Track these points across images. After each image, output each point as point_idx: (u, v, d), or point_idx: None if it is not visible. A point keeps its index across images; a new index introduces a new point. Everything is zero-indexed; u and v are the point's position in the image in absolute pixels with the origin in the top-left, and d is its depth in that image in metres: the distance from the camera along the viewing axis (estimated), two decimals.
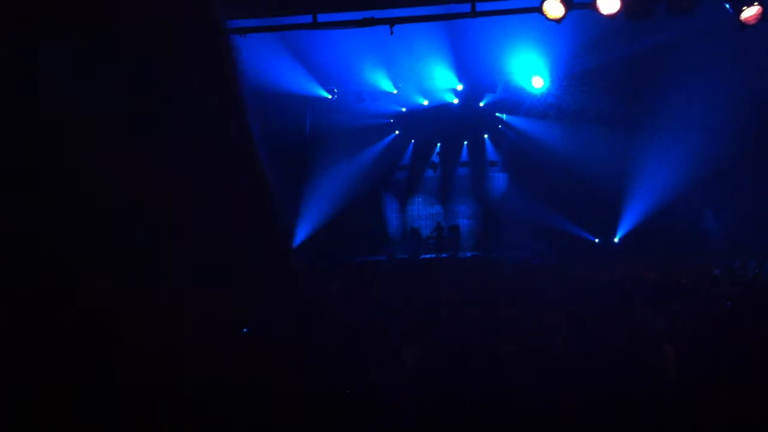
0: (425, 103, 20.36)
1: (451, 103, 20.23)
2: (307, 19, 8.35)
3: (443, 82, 19.12)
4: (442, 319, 7.71)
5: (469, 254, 20.86)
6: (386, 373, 5.48)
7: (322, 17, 8.33)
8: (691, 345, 5.70)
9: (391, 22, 8.18)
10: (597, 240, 19.83)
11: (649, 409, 4.42)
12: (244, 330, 7.51)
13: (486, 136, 22.23)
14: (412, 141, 22.63)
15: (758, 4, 7.17)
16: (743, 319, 7.06)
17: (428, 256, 20.42)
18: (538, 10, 7.52)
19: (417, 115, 20.89)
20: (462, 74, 18.75)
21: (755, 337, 6.08)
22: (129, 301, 5.64)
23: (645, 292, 9.39)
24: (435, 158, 22.77)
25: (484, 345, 5.99)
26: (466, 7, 8.17)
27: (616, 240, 19.44)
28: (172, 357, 5.43)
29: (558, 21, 7.50)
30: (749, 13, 7.19)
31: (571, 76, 17.58)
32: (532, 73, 17.89)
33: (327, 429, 4.93)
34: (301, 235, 20.88)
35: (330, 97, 19.07)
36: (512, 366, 5.37)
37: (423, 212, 23.05)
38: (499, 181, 22.56)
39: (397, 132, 22.15)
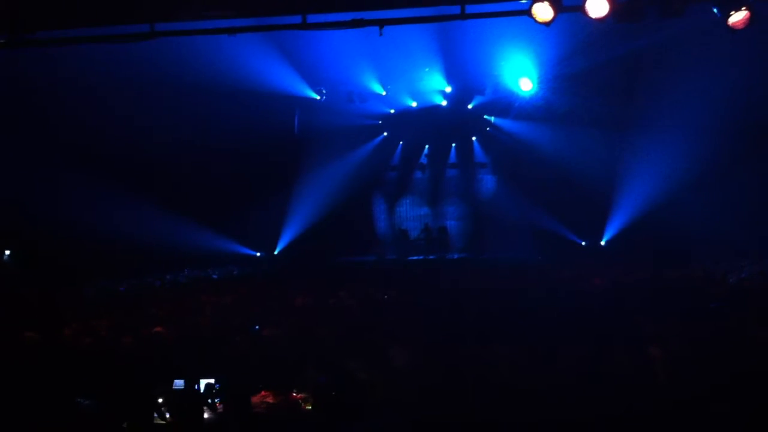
0: (414, 104, 20.35)
1: (440, 105, 20.25)
2: (296, 19, 8.27)
3: (432, 84, 19.14)
4: (433, 320, 7.69)
5: (457, 256, 20.90)
6: (373, 374, 5.44)
7: (311, 18, 8.26)
8: (679, 347, 5.71)
9: (381, 23, 8.11)
10: (583, 243, 19.90)
11: (638, 413, 4.41)
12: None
13: (474, 138, 22.27)
14: (401, 142, 22.64)
15: (746, 9, 7.18)
16: (730, 321, 7.09)
17: (416, 257, 20.43)
18: (527, 13, 7.49)
19: (405, 116, 20.89)
20: (451, 76, 18.77)
21: (743, 340, 6.11)
22: None
23: (633, 295, 9.42)
24: (423, 160, 22.79)
25: (476, 346, 5.97)
26: (455, 9, 8.13)
27: (602, 243, 19.52)
28: None
29: (547, 24, 7.48)
30: (737, 17, 7.19)
31: (560, 78, 17.60)
32: (521, 75, 17.92)
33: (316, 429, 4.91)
34: (289, 235, 20.84)
35: (318, 97, 19.01)
36: (505, 367, 5.35)
37: (411, 213, 23.03)
38: (487, 183, 22.61)
39: (385, 133, 22.14)
